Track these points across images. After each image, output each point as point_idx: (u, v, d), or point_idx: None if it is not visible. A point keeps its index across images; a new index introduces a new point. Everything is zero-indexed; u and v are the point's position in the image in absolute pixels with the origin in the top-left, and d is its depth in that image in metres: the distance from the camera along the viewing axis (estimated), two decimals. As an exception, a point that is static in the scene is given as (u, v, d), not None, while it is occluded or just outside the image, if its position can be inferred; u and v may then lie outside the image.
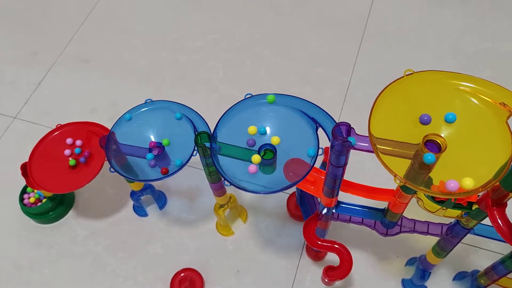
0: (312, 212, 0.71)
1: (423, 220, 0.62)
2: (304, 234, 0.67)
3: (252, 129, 0.53)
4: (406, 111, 0.44)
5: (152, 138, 0.64)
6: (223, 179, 0.54)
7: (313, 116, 0.55)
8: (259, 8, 1.13)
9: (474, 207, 0.52)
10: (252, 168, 0.52)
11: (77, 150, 0.72)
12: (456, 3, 1.10)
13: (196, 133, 0.59)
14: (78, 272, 0.78)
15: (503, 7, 1.09)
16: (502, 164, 0.41)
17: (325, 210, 0.61)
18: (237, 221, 0.81)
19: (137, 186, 0.77)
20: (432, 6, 1.11)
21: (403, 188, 0.52)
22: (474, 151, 0.43)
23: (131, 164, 0.65)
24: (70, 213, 0.85)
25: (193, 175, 0.86)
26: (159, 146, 0.64)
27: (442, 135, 0.43)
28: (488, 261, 0.66)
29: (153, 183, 0.81)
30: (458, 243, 0.60)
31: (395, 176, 0.42)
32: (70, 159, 0.72)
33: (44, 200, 0.82)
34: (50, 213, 0.82)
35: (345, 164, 0.49)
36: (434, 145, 0.43)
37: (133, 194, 0.79)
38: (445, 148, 0.42)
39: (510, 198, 0.47)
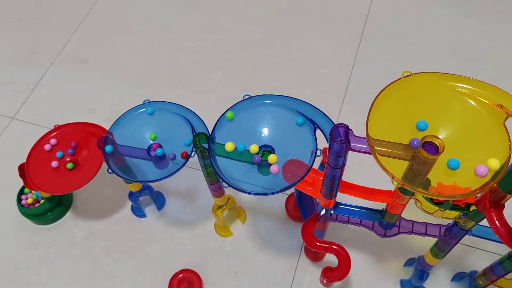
0: (310, 213, 0.71)
1: (421, 221, 0.62)
2: (302, 235, 0.67)
3: (253, 148, 0.53)
4: (404, 113, 0.44)
5: (150, 139, 0.64)
6: (221, 180, 0.54)
7: (311, 117, 0.55)
8: (259, 8, 1.13)
9: (472, 208, 0.52)
10: (275, 168, 0.52)
11: (69, 152, 0.72)
12: (455, 4, 1.10)
13: (194, 134, 0.59)
14: (76, 273, 0.78)
15: (502, 7, 1.09)
16: (499, 165, 0.41)
17: (323, 211, 0.61)
18: (235, 222, 0.81)
19: (135, 187, 0.77)
20: (431, 6, 1.11)
21: (401, 189, 0.52)
22: (471, 153, 0.43)
23: (129, 165, 0.65)
24: (68, 214, 0.84)
25: (191, 176, 0.86)
26: (157, 147, 0.64)
27: (440, 136, 0.43)
28: (486, 262, 0.67)
29: (151, 184, 0.81)
30: (456, 244, 0.60)
31: (392, 178, 0.42)
32: (68, 160, 0.72)
33: (42, 201, 0.82)
34: (48, 214, 0.82)
35: (343, 165, 0.49)
36: (432, 147, 0.43)
37: (131, 195, 0.79)
38: (443, 149, 0.42)
39: (508, 199, 0.47)
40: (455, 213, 0.53)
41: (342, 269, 0.63)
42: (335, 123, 0.46)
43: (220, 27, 1.10)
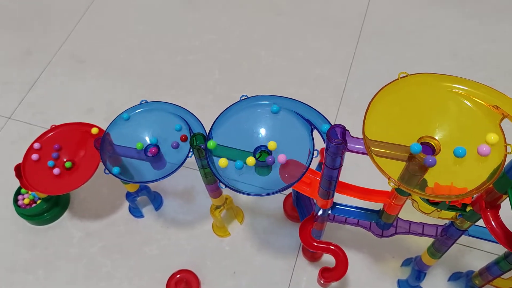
0: (308, 213, 0.71)
1: (418, 222, 0.63)
2: (300, 235, 0.67)
3: (250, 161, 0.53)
4: (401, 113, 0.45)
5: (147, 139, 0.64)
6: (218, 181, 0.54)
7: (308, 118, 0.55)
8: (256, 9, 1.13)
9: (468, 209, 0.52)
10: (282, 157, 0.52)
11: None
12: (454, 4, 1.11)
13: (192, 134, 0.59)
14: (73, 274, 0.78)
15: (502, 8, 1.09)
16: (495, 166, 0.41)
17: (320, 212, 0.61)
18: (233, 222, 0.81)
19: (132, 188, 0.76)
20: (430, 7, 1.11)
21: (398, 190, 0.52)
22: (468, 153, 0.43)
23: (126, 165, 0.65)
24: (65, 214, 0.84)
25: (189, 176, 0.85)
26: (155, 146, 0.64)
27: (436, 137, 0.43)
28: (483, 262, 0.67)
29: (149, 184, 0.81)
30: (452, 244, 0.60)
31: (389, 178, 0.42)
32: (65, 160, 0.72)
33: (38, 202, 0.81)
34: (45, 214, 0.82)
35: (340, 166, 0.49)
36: (428, 147, 0.43)
37: (128, 196, 0.79)
38: (439, 150, 0.43)
39: (504, 200, 0.47)
40: (451, 214, 0.54)
41: (339, 270, 0.63)
42: (333, 124, 0.46)
43: (218, 27, 1.10)
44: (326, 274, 0.64)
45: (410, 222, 0.63)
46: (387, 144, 0.43)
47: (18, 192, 0.83)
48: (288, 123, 0.55)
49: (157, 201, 0.83)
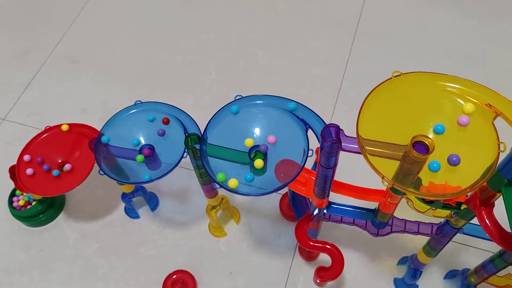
0: (304, 212, 0.71)
1: (414, 220, 0.63)
2: (296, 234, 0.67)
3: (248, 142, 0.53)
4: (395, 113, 0.45)
5: (142, 140, 0.64)
6: (213, 181, 0.54)
7: (303, 118, 0.55)
8: (253, 8, 1.13)
9: (463, 207, 0.52)
10: (272, 138, 0.52)
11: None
12: (449, 3, 1.11)
13: (186, 135, 0.59)
14: (69, 275, 0.77)
15: (496, 7, 1.09)
16: (489, 164, 0.41)
17: (316, 211, 0.61)
18: (229, 222, 0.81)
19: (128, 188, 0.76)
20: (425, 5, 1.11)
21: (393, 189, 0.52)
22: (461, 152, 0.43)
23: (122, 166, 0.65)
24: (61, 215, 0.84)
25: (185, 176, 0.85)
26: (149, 148, 0.63)
27: (430, 136, 0.43)
28: (479, 259, 0.67)
29: (144, 185, 0.80)
30: (448, 242, 0.60)
31: (382, 178, 0.42)
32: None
33: (33, 203, 0.81)
34: (40, 216, 0.81)
35: (335, 165, 0.49)
36: (422, 146, 0.43)
37: (124, 196, 0.78)
38: (433, 149, 0.43)
39: (498, 198, 0.47)
40: (446, 212, 0.54)
41: (335, 269, 0.63)
42: (329, 123, 0.46)
43: (214, 27, 1.10)
44: (322, 274, 0.64)
45: (405, 221, 0.63)
46: (381, 143, 0.43)
47: (13, 194, 0.82)
48: (283, 122, 0.55)
49: (153, 201, 0.83)
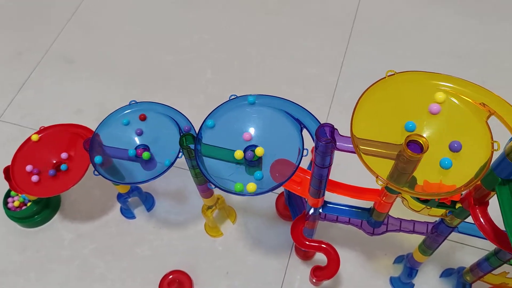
0: (300, 212, 0.71)
1: (409, 219, 0.63)
2: (291, 234, 0.67)
3: (238, 154, 0.53)
4: (389, 112, 0.45)
5: (137, 140, 0.64)
6: (208, 181, 0.54)
7: (298, 117, 0.55)
8: (248, 8, 1.13)
9: (458, 206, 0.52)
10: (247, 135, 0.52)
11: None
12: (444, 2, 1.11)
13: (181, 134, 0.58)
14: (66, 276, 0.77)
15: (494, 7, 1.10)
16: (482, 163, 0.42)
17: (312, 210, 0.61)
18: (226, 222, 0.81)
19: (123, 189, 0.76)
20: (419, 5, 1.11)
21: (387, 188, 0.52)
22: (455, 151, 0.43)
23: (117, 166, 0.65)
24: (56, 216, 0.84)
25: (180, 176, 0.85)
26: (145, 148, 0.63)
27: (424, 135, 0.43)
28: (474, 258, 0.67)
29: (140, 185, 0.80)
30: (443, 241, 0.60)
31: (377, 177, 0.42)
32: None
33: (28, 204, 0.81)
34: (35, 216, 0.81)
35: (330, 164, 0.49)
36: (416, 146, 0.43)
37: (120, 197, 0.78)
38: (427, 148, 0.43)
39: (492, 197, 0.47)
40: (441, 211, 0.54)
41: (331, 268, 0.63)
42: (324, 122, 0.45)
43: (209, 27, 1.09)
44: (318, 273, 0.64)
45: (401, 220, 0.63)
46: (375, 142, 0.43)
47: (7, 195, 0.82)
48: (277, 122, 0.55)
49: (148, 202, 0.83)
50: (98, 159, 0.62)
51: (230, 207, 0.82)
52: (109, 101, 0.98)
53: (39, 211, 0.81)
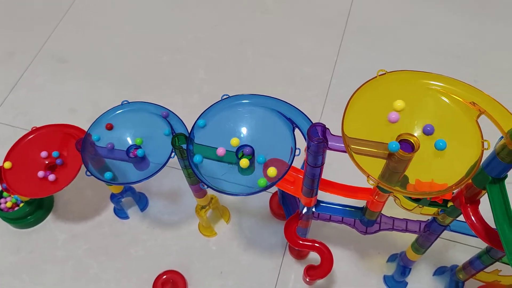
0: (294, 211, 0.71)
1: (402, 218, 0.63)
2: (285, 233, 0.67)
3: (234, 141, 0.53)
4: (380, 111, 0.45)
5: (129, 140, 0.64)
6: (200, 181, 0.54)
7: (290, 117, 0.55)
8: (242, 7, 1.12)
9: (449, 204, 0.52)
10: (221, 150, 0.52)
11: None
12: (438, 1, 1.11)
13: (174, 134, 0.58)
14: (59, 277, 0.77)
15: (486, 6, 1.10)
16: (473, 162, 0.42)
17: (305, 210, 0.61)
18: (219, 221, 0.81)
19: (116, 189, 0.76)
20: (414, 3, 1.11)
21: (379, 187, 0.52)
22: (446, 149, 0.43)
23: (109, 167, 0.64)
24: (49, 216, 0.83)
25: (174, 176, 0.85)
26: (137, 148, 0.63)
27: (415, 134, 0.43)
28: (467, 255, 0.67)
29: (133, 185, 0.80)
30: (435, 239, 0.60)
31: (368, 176, 0.42)
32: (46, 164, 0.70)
33: (21, 205, 0.80)
34: (29, 217, 0.80)
35: (322, 164, 0.49)
36: (407, 145, 0.43)
37: (113, 197, 0.78)
38: (418, 147, 0.43)
39: (483, 195, 0.47)
40: (433, 210, 0.54)
41: (324, 267, 0.63)
42: (318, 121, 0.45)
43: (203, 26, 1.09)
44: (311, 272, 0.64)
45: (393, 219, 0.63)
46: (366, 141, 0.43)
47: (0, 195, 0.81)
48: (270, 122, 0.55)
49: (142, 202, 0.83)
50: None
51: (223, 206, 0.82)
52: (103, 101, 0.97)
53: (32, 211, 0.80)
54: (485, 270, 0.64)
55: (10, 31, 1.10)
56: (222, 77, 1.01)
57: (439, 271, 0.74)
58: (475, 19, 1.08)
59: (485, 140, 0.42)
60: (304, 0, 1.13)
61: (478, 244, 0.76)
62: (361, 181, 0.59)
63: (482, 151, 0.42)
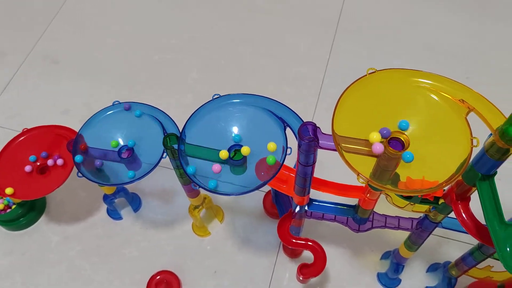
0: (287, 210, 0.71)
1: (394, 215, 0.63)
2: (278, 232, 0.67)
3: (223, 154, 0.52)
4: (370, 109, 0.45)
5: (121, 141, 0.63)
6: (192, 181, 0.53)
7: (281, 116, 0.55)
8: (235, 6, 1.12)
9: (441, 201, 0.53)
10: (216, 167, 0.52)
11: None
12: (437, 0, 1.11)
13: (165, 135, 0.58)
14: (53, 279, 0.76)
15: (486, 6, 1.10)
16: (463, 159, 0.42)
17: (298, 208, 0.61)
18: (213, 221, 0.81)
19: (109, 190, 0.75)
20: (407, 2, 1.12)
21: (370, 185, 0.52)
22: (436, 147, 0.43)
23: (101, 167, 0.64)
24: (42, 218, 0.82)
25: (167, 176, 0.84)
26: (129, 149, 0.63)
27: (406, 132, 0.43)
28: (460, 252, 0.68)
29: (126, 186, 0.79)
30: (427, 236, 0.61)
31: (358, 174, 0.42)
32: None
33: (13, 207, 0.79)
34: (21, 219, 0.80)
35: (314, 162, 0.49)
36: (397, 143, 0.44)
37: (106, 198, 0.77)
38: (408, 145, 0.43)
39: (473, 192, 0.48)
40: (425, 207, 0.54)
41: (317, 265, 0.64)
42: (310, 120, 0.45)
43: (196, 25, 1.09)
44: (305, 270, 0.64)
45: (386, 216, 0.63)
46: (357, 140, 0.43)
47: (-9, 198, 0.81)
48: (261, 121, 0.55)
49: (135, 202, 0.82)
50: (79, 158, 0.61)
51: (217, 206, 0.82)
52: (96, 101, 0.97)
53: (24, 213, 0.80)
54: (477, 266, 0.64)
55: (1, 30, 1.09)
56: (216, 77, 1.00)
57: (432, 268, 0.75)
58: (467, 17, 1.08)
59: (474, 138, 0.42)
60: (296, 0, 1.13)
61: (470, 241, 0.77)
62: (353, 180, 0.59)
63: (471, 148, 0.42)
